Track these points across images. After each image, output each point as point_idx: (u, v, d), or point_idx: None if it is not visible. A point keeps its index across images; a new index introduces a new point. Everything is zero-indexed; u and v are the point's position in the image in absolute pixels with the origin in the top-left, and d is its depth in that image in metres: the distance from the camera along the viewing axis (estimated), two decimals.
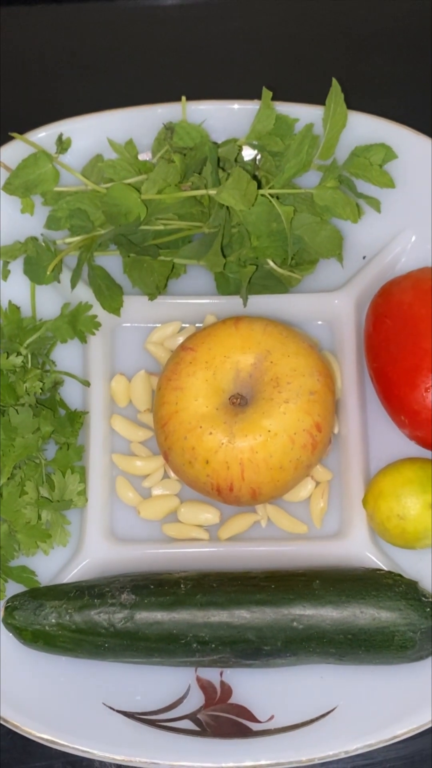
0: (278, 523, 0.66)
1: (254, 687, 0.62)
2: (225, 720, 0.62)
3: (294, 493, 0.66)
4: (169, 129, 0.69)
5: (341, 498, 0.67)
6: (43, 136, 0.70)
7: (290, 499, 0.67)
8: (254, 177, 0.67)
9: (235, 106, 0.70)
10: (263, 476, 0.61)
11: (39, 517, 0.64)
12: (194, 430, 0.61)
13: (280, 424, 0.61)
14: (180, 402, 0.62)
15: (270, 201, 0.66)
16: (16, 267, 0.70)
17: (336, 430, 0.67)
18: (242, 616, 0.59)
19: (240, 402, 0.62)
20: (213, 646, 0.60)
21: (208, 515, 0.66)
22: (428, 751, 0.65)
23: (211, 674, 0.63)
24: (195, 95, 0.70)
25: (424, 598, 0.60)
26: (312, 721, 0.61)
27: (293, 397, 0.61)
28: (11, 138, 0.69)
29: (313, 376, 0.62)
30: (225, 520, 0.66)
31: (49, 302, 0.70)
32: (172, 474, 0.67)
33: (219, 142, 0.69)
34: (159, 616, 0.60)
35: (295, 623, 0.59)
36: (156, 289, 0.68)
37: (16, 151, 0.69)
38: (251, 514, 0.66)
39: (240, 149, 0.69)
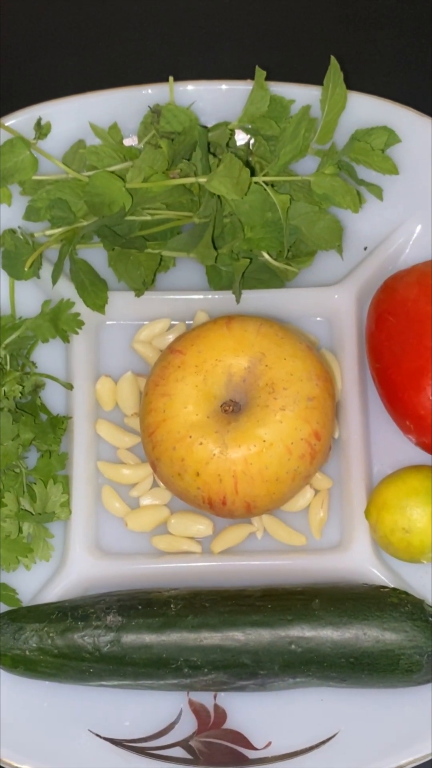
0: (275, 535, 0.64)
1: (250, 711, 0.61)
2: (219, 747, 0.60)
3: (292, 503, 0.65)
4: (156, 112, 0.67)
5: (342, 507, 0.65)
6: (20, 120, 0.68)
7: (288, 509, 0.65)
8: (247, 163, 0.66)
9: (227, 86, 0.69)
10: (258, 489, 0.59)
11: (20, 531, 0.63)
12: (183, 439, 0.59)
13: (276, 433, 0.59)
14: (168, 409, 0.60)
15: (264, 189, 0.65)
16: None
17: (336, 435, 0.65)
18: (236, 638, 0.58)
19: (233, 409, 0.60)
20: (205, 670, 0.58)
21: (201, 527, 0.64)
22: None
23: (205, 697, 0.61)
24: (183, 75, 0.69)
25: (431, 619, 0.58)
26: (312, 747, 0.59)
27: (290, 403, 0.59)
28: None
29: (311, 380, 0.60)
30: (218, 532, 0.64)
31: (29, 299, 0.68)
32: (161, 483, 0.65)
33: (209, 125, 0.68)
34: (147, 639, 0.58)
35: (293, 646, 0.58)
36: (143, 284, 0.67)
37: None
38: (246, 525, 0.64)
39: (232, 133, 0.68)
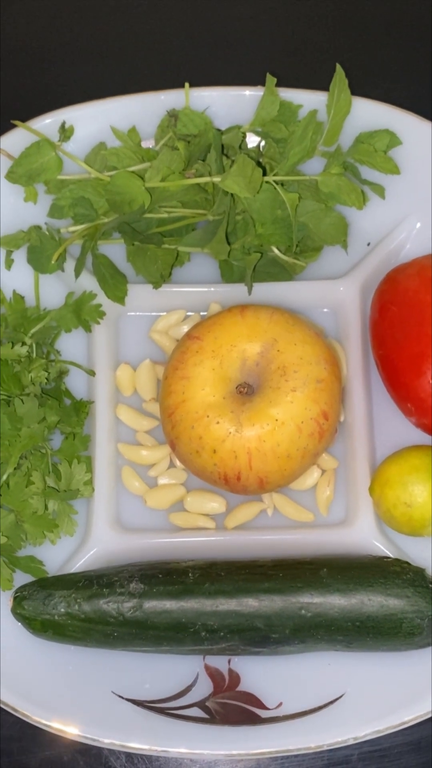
0: (284, 512, 0.66)
1: (262, 675, 0.63)
2: (233, 707, 0.62)
3: (300, 482, 0.67)
4: (173, 116, 0.68)
5: (347, 486, 0.67)
6: (46, 124, 0.70)
7: (296, 488, 0.67)
8: (258, 164, 0.67)
9: (239, 92, 0.70)
10: (270, 465, 0.61)
11: (46, 507, 0.64)
12: (201, 419, 0.61)
13: (288, 413, 0.61)
14: (187, 391, 0.62)
15: (274, 188, 0.66)
16: (20, 256, 0.69)
17: (342, 418, 0.67)
18: (250, 604, 0.60)
19: (247, 391, 0.62)
20: (221, 634, 0.60)
21: (215, 504, 0.66)
22: None
23: (220, 662, 0.63)
24: (198, 82, 0.70)
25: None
26: (320, 707, 0.61)
27: (300, 385, 0.61)
28: (13, 126, 0.69)
29: (319, 364, 0.62)
30: (231, 509, 0.66)
31: (52, 292, 0.70)
32: (178, 463, 0.67)
33: (222, 129, 0.69)
34: (168, 604, 0.60)
35: (303, 611, 0.60)
36: (160, 278, 0.68)
37: (17, 139, 0.69)
38: (257, 503, 0.66)
39: (244, 136, 0.69)
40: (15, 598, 0.61)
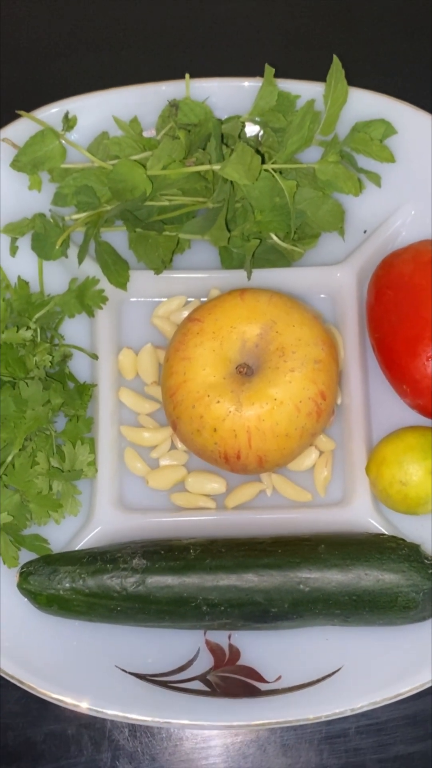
0: (283, 492, 0.68)
1: (262, 649, 0.64)
2: (234, 681, 0.63)
3: (298, 463, 0.68)
4: (174, 106, 0.69)
5: (344, 467, 0.68)
6: (50, 113, 0.70)
7: (295, 469, 0.68)
8: (257, 152, 0.68)
9: (238, 83, 0.71)
10: (270, 444, 0.62)
11: (50, 487, 0.65)
12: (202, 398, 0.62)
13: (286, 393, 0.62)
14: (188, 372, 0.63)
15: (273, 176, 0.67)
16: (24, 244, 0.70)
17: (339, 401, 0.69)
18: (250, 579, 0.61)
19: (246, 371, 0.63)
20: (222, 608, 0.61)
21: (215, 485, 0.67)
22: (430, 710, 0.66)
23: (220, 637, 0.64)
24: (198, 73, 0.70)
25: (426, 561, 0.62)
26: (318, 680, 0.63)
27: (298, 366, 0.62)
28: (16, 117, 0.70)
29: (317, 345, 0.63)
30: (231, 490, 0.68)
31: (56, 278, 0.71)
32: (179, 445, 0.69)
33: (222, 119, 0.70)
34: (169, 580, 0.61)
35: (301, 586, 0.61)
36: (161, 264, 0.69)
37: (21, 129, 0.70)
38: (257, 483, 0.68)
39: (243, 125, 0.70)
40: (21, 574, 0.63)
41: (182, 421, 0.63)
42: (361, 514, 0.66)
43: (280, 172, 0.68)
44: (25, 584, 0.62)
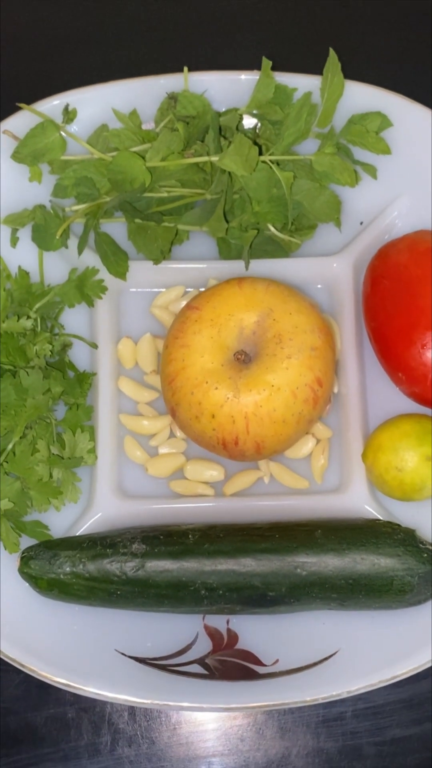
0: (280, 479, 0.68)
1: (259, 633, 0.65)
2: (232, 664, 0.64)
3: (295, 450, 0.69)
4: (173, 98, 0.70)
5: (341, 454, 0.69)
6: (50, 106, 0.71)
7: (292, 456, 0.69)
8: (255, 144, 0.68)
9: (236, 76, 0.71)
10: (267, 430, 0.63)
11: (50, 475, 0.66)
12: (201, 385, 0.63)
13: (283, 379, 0.62)
14: (186, 359, 0.63)
15: (270, 167, 0.67)
16: (25, 234, 0.71)
17: (336, 390, 0.69)
18: (248, 563, 0.62)
19: (244, 358, 0.63)
20: (220, 592, 0.62)
21: (213, 472, 0.68)
22: (427, 693, 0.67)
23: (218, 622, 0.65)
24: (197, 66, 0.71)
25: (421, 545, 0.63)
26: (315, 663, 0.63)
27: (295, 352, 0.63)
28: (17, 109, 0.71)
29: (314, 332, 0.64)
30: (229, 477, 0.68)
31: (56, 268, 0.71)
32: (178, 433, 0.69)
33: (220, 111, 0.71)
34: (168, 564, 0.62)
35: (298, 570, 0.62)
36: (160, 255, 0.69)
37: (22, 121, 0.71)
38: (255, 471, 0.68)
39: (241, 118, 0.70)
40: (22, 558, 0.63)
41: (181, 408, 0.64)
42: (358, 501, 0.66)
43: (278, 164, 0.68)
44: (26, 569, 0.63)
